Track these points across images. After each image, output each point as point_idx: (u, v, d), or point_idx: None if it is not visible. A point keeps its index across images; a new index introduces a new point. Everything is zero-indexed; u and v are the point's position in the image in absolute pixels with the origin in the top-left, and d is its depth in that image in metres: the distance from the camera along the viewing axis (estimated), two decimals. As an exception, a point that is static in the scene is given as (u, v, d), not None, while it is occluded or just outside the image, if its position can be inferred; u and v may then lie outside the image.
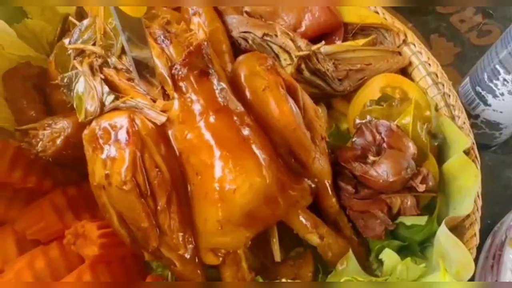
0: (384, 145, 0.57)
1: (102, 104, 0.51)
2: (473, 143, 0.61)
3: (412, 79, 0.70)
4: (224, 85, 0.50)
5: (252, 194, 0.46)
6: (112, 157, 0.47)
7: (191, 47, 0.50)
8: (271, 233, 0.52)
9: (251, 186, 0.46)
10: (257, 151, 0.48)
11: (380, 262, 0.54)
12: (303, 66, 0.65)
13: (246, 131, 0.48)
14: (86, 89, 0.52)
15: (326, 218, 0.56)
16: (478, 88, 0.72)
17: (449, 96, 0.66)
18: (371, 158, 0.56)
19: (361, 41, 0.71)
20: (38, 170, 0.60)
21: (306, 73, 0.66)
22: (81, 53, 0.55)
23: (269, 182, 0.47)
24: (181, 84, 0.49)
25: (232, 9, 0.71)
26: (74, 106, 0.53)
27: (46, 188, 0.61)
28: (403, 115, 0.60)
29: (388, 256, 0.52)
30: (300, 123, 0.53)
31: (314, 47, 0.65)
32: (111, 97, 0.51)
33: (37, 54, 0.68)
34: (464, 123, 0.63)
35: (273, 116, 0.52)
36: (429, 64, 0.69)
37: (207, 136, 0.47)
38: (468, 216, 0.55)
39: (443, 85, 0.67)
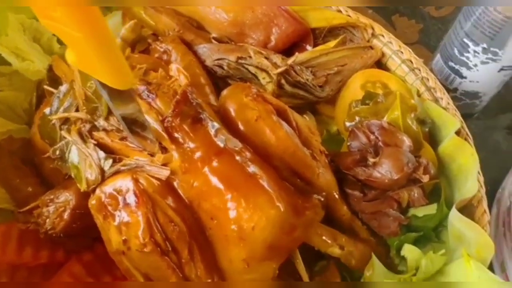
0: (380, 143, 0.58)
1: (102, 170, 0.50)
2: (462, 122, 0.63)
3: (388, 70, 0.72)
4: (217, 125, 0.50)
5: (270, 227, 0.47)
6: (125, 222, 0.47)
7: (177, 96, 0.50)
8: (294, 256, 0.53)
9: (268, 219, 0.47)
10: (265, 184, 0.48)
11: (402, 257, 0.56)
12: (283, 81, 0.66)
13: (250, 167, 0.48)
14: (81, 158, 0.52)
15: (340, 227, 0.58)
16: (451, 63, 0.75)
17: (428, 79, 0.68)
18: (371, 160, 0.57)
19: (331, 43, 0.73)
20: (48, 244, 0.60)
21: (288, 87, 0.67)
22: (66, 121, 0.55)
23: (283, 211, 0.48)
24: (176, 135, 0.49)
25: (201, 38, 0.72)
26: (72, 176, 0.53)
27: (59, 259, 0.60)
28: (391, 110, 0.61)
29: (410, 251, 0.53)
30: (298, 144, 0.53)
31: (290, 61, 0.66)
32: (109, 161, 0.51)
33: (16, 125, 0.67)
34: (448, 103, 0.65)
35: (271, 144, 0.52)
36: (402, 52, 0.71)
37: (214, 180, 0.48)
38: (475, 194, 0.56)
39: (420, 70, 0.69)
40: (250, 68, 0.67)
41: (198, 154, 0.49)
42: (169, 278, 0.47)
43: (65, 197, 0.54)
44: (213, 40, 0.72)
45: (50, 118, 0.56)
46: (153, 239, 0.47)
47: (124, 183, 0.48)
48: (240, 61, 0.67)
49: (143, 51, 0.72)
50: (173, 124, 0.49)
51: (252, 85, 0.56)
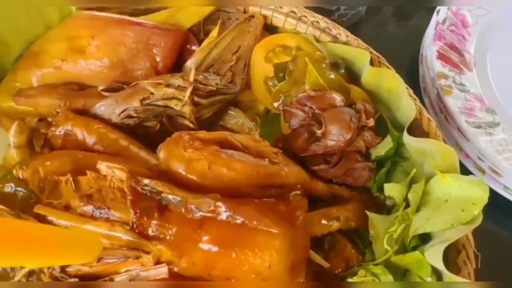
0: (317, 111, 0.60)
1: (104, 302, 0.48)
2: (368, 47, 0.65)
3: (277, 29, 0.71)
4: (179, 197, 0.49)
5: (283, 255, 0.48)
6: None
7: (129, 197, 0.47)
8: (307, 253, 0.56)
9: (277, 250, 0.48)
10: (256, 224, 0.49)
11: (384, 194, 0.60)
12: (196, 98, 0.64)
13: (236, 219, 0.48)
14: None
15: (325, 200, 0.60)
16: (324, -11, 0.75)
17: (318, 22, 0.68)
18: (318, 132, 0.59)
19: (214, 32, 0.70)
20: None
21: (204, 101, 0.64)
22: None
23: (282, 232, 0.49)
24: (152, 233, 0.47)
25: (92, 98, 0.65)
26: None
27: None
28: (308, 76, 0.62)
29: (392, 189, 0.57)
30: (256, 163, 0.54)
31: (191, 78, 0.63)
32: (104, 290, 0.48)
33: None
34: (347, 36, 0.66)
35: (233, 179, 0.52)
36: (281, 7, 0.69)
37: (212, 249, 0.48)
38: (415, 110, 0.60)
39: (306, 16, 0.68)
40: (158, 102, 0.64)
41: (183, 236, 0.48)
42: None
43: None
44: (104, 93, 0.66)
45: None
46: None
47: (133, 301, 0.47)
48: (145, 102, 0.64)
49: (44, 145, 0.65)
50: (144, 225, 0.47)
51: (182, 133, 0.54)
